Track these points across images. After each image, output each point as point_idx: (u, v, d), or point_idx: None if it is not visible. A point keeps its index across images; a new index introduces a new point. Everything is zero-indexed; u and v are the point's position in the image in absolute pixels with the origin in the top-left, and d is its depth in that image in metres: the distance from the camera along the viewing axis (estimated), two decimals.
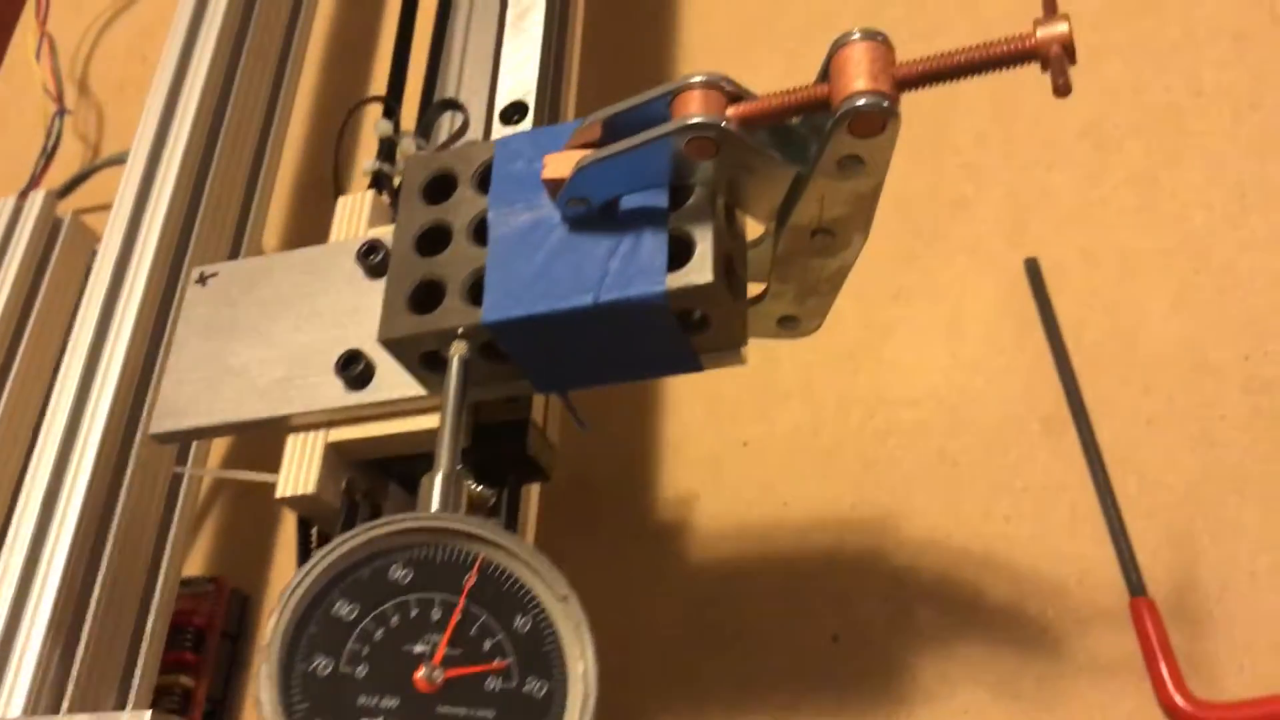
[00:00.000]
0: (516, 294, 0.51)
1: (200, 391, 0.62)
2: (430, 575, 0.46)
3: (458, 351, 0.52)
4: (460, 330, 0.52)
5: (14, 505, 0.75)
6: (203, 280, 0.66)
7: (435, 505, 0.49)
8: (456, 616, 0.45)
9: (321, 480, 0.59)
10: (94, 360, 0.78)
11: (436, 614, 0.45)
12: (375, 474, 0.63)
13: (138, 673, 0.72)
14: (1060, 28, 0.39)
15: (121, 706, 0.71)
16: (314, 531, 0.63)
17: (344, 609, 0.45)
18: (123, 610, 0.74)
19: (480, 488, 0.61)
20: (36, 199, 0.90)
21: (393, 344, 0.54)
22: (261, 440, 0.68)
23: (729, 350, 0.54)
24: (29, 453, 0.77)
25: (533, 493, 0.67)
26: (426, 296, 0.54)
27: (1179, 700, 0.58)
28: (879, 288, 0.77)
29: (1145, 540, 0.64)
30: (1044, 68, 0.39)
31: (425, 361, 0.55)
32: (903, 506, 0.70)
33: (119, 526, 0.75)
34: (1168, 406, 0.67)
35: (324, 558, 0.45)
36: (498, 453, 0.61)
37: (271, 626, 0.43)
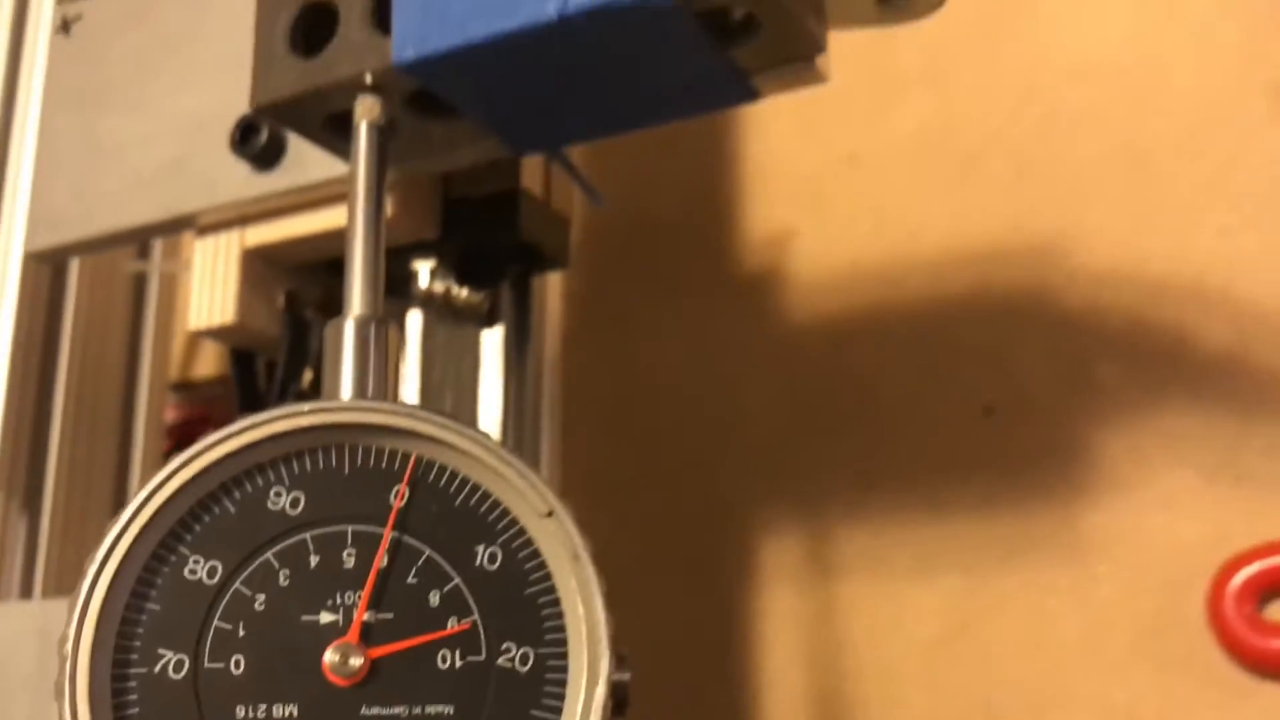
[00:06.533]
0: (441, 12, 0.31)
1: (77, 189, 0.45)
2: (336, 497, 0.29)
3: (367, 114, 0.33)
4: (368, 78, 0.33)
5: None
6: (65, 27, 0.47)
7: (345, 382, 0.31)
8: (381, 557, 0.29)
9: (244, 302, 0.42)
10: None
11: (349, 559, 0.29)
12: (332, 276, 0.45)
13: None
14: None
15: None
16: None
17: (200, 568, 0.29)
18: (95, 442, 0.59)
19: (464, 291, 0.43)
20: None
21: (276, 110, 0.35)
22: None
23: (797, 62, 0.34)
24: None
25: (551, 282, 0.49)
26: (314, 27, 0.35)
27: None
28: None
29: None
30: None
31: (333, 126, 0.36)
32: (1075, 225, 0.54)
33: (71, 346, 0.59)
34: None
35: (152, 494, 0.28)
36: (485, 239, 0.43)
37: (75, 613, 0.27)
